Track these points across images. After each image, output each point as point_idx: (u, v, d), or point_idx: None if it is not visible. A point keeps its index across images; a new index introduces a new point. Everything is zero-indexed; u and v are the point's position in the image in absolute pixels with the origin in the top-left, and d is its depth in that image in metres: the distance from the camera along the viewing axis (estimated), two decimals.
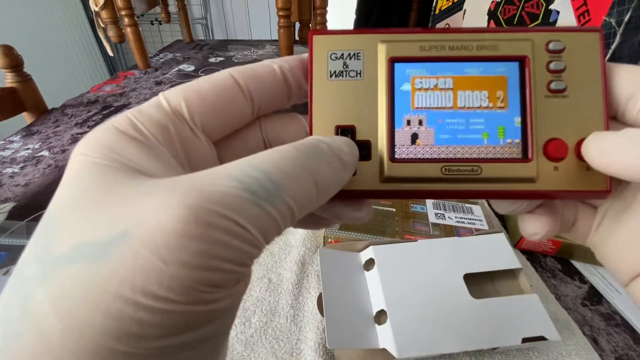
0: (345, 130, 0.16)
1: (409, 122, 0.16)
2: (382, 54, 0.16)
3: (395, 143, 0.16)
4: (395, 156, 0.16)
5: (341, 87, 0.16)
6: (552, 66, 0.15)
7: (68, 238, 0.10)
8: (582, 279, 0.38)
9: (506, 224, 0.44)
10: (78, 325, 0.09)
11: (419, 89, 0.16)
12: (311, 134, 0.16)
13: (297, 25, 1.02)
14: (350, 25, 1.12)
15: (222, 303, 0.11)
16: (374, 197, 0.16)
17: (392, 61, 0.16)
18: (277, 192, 0.11)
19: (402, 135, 0.16)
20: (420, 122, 0.16)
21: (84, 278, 0.09)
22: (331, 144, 0.13)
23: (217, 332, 0.11)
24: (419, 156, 0.16)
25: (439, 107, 0.16)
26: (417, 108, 0.16)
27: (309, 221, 0.17)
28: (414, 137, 0.16)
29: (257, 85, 0.15)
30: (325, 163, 0.13)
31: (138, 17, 0.87)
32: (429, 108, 0.16)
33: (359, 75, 0.16)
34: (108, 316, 0.09)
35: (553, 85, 0.15)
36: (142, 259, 0.09)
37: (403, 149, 0.16)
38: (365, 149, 0.15)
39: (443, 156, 0.15)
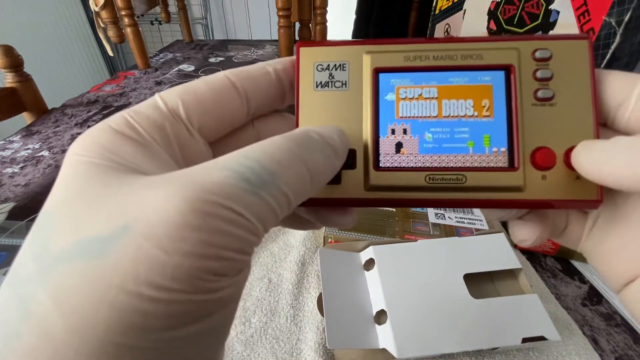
0: None
1: (393, 131, 0.16)
2: (366, 64, 0.16)
3: (380, 152, 0.16)
4: (380, 165, 0.16)
5: (327, 98, 0.16)
6: (539, 74, 0.15)
7: (66, 235, 0.10)
8: (582, 279, 0.38)
9: (507, 225, 0.44)
10: (82, 322, 0.09)
11: (404, 99, 0.16)
12: None
13: (297, 25, 1.02)
14: (349, 26, 1.12)
15: (225, 292, 0.11)
16: (359, 206, 0.16)
17: (377, 71, 0.16)
18: (272, 179, 0.11)
19: (387, 144, 0.16)
20: (404, 131, 0.16)
21: (86, 274, 0.09)
22: (322, 132, 0.14)
23: (219, 324, 0.11)
24: (404, 165, 0.16)
25: (423, 117, 0.16)
26: (401, 117, 0.16)
27: (296, 221, 0.17)
28: (399, 146, 0.16)
29: (252, 87, 0.15)
30: (318, 150, 0.13)
31: (138, 17, 0.87)
32: (413, 117, 0.16)
33: (344, 86, 0.16)
34: (113, 310, 0.09)
35: (540, 94, 0.15)
36: (144, 251, 0.09)
37: (387, 158, 0.16)
38: (350, 158, 0.15)
39: (427, 165, 0.16)
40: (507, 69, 0.15)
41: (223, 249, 0.10)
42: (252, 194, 0.11)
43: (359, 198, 0.16)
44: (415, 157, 0.16)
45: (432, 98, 0.16)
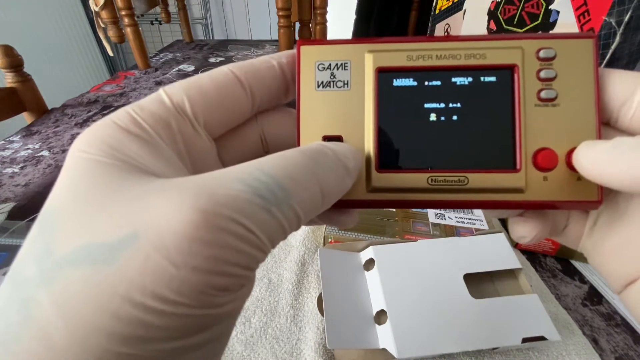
0: (332, 141, 0.16)
1: None
2: (369, 64, 0.16)
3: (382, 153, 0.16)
4: (382, 166, 0.16)
5: (328, 98, 0.16)
6: (542, 74, 0.15)
7: (71, 238, 0.10)
8: (582, 279, 0.38)
9: (506, 224, 0.44)
10: (83, 328, 0.09)
11: None
12: (298, 143, 0.16)
13: (297, 25, 1.02)
14: (349, 26, 1.12)
15: (229, 306, 0.11)
16: (361, 207, 0.16)
17: (379, 71, 0.16)
18: (285, 197, 0.11)
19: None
20: None
21: (91, 280, 0.09)
22: (336, 150, 0.13)
23: (221, 334, 0.11)
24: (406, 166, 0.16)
25: None
26: None
27: None
28: None
29: (257, 81, 0.15)
30: (331, 170, 0.13)
31: (138, 17, 0.87)
32: None
33: (346, 86, 0.16)
34: (115, 319, 0.09)
35: (543, 94, 0.15)
36: (152, 262, 0.09)
37: (389, 159, 0.16)
38: None
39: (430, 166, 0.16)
40: (511, 69, 0.15)
41: (231, 265, 0.10)
42: (265, 210, 0.10)
43: (361, 199, 0.15)
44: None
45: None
